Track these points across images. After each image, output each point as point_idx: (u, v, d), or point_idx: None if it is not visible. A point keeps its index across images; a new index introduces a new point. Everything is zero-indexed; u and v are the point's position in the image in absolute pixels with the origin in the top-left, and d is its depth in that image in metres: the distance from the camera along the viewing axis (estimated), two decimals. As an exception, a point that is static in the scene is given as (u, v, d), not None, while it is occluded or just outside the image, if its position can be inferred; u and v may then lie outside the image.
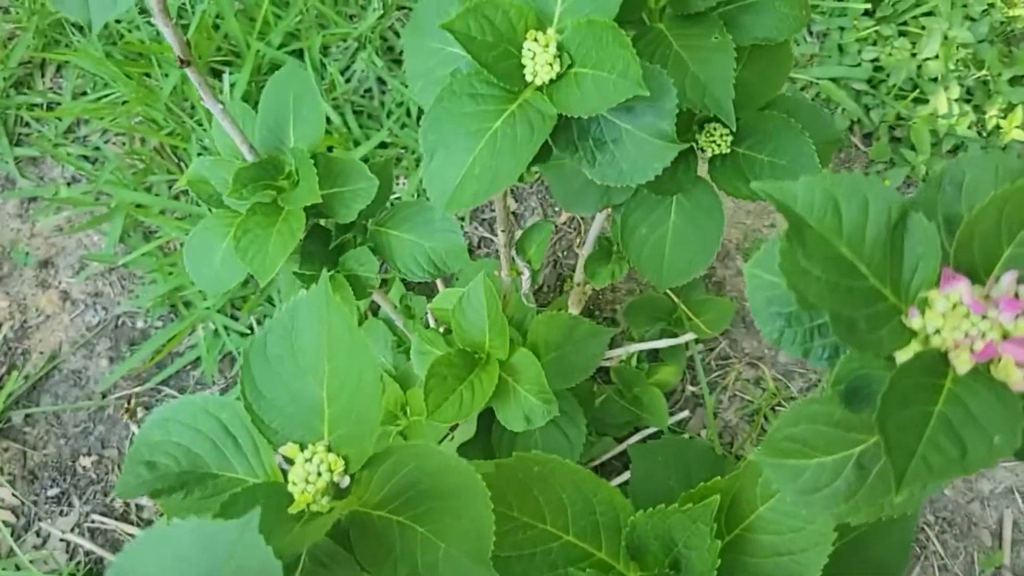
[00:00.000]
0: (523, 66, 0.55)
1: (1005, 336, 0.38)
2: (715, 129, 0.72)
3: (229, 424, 0.51)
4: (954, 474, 0.36)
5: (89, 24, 0.49)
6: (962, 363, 0.38)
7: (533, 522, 0.50)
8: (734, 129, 0.66)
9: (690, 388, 1.32)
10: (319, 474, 0.46)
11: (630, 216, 0.75)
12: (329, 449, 0.47)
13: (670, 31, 0.66)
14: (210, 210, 0.84)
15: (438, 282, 1.11)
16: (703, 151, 0.73)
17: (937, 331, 0.39)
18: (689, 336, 1.06)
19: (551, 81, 0.55)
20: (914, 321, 0.40)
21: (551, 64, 0.55)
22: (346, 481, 0.47)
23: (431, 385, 0.80)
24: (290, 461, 0.48)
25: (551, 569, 0.49)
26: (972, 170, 0.44)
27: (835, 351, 0.44)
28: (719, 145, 0.72)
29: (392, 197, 1.41)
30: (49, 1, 0.48)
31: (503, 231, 0.79)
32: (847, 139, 1.47)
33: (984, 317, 0.38)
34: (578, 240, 1.34)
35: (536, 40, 0.55)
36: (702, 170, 0.75)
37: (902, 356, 0.39)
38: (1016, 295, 0.39)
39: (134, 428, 1.16)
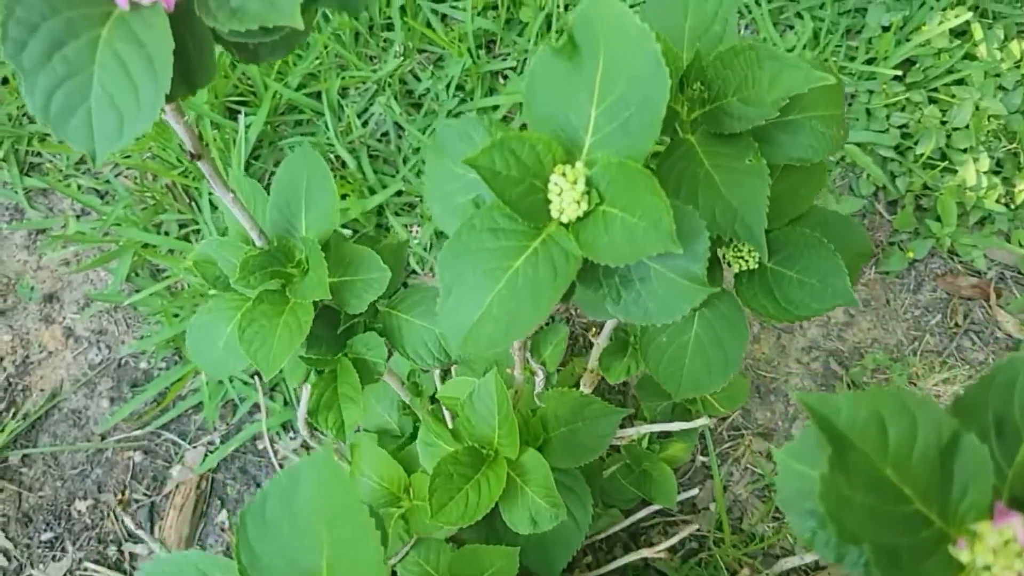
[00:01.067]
0: (549, 201, 0.52)
1: (1063, 583, 0.35)
2: (743, 245, 0.69)
3: (221, 583, 0.48)
4: None
5: (93, 156, 0.46)
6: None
7: None
8: (765, 259, 0.63)
9: (701, 459, 1.29)
10: (314, 649, 0.44)
11: (651, 325, 0.72)
12: (326, 620, 0.45)
13: (701, 147, 0.64)
14: (215, 293, 0.81)
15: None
16: (729, 265, 0.70)
17: (987, 568, 0.36)
18: (703, 421, 1.03)
19: (580, 219, 0.52)
20: (963, 554, 0.37)
21: (579, 202, 0.52)
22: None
23: (436, 484, 0.77)
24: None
25: None
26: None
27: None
28: (747, 261, 0.69)
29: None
30: (53, 131, 0.45)
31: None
32: (871, 206, 1.44)
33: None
34: (593, 328, 1.32)
35: (564, 175, 0.52)
36: (727, 281, 0.72)
37: (949, 599, 0.36)
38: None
39: (126, 519, 1.14)
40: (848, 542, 0.37)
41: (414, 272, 1.41)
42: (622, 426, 1.10)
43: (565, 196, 0.52)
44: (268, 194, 0.80)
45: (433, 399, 0.97)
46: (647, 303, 0.55)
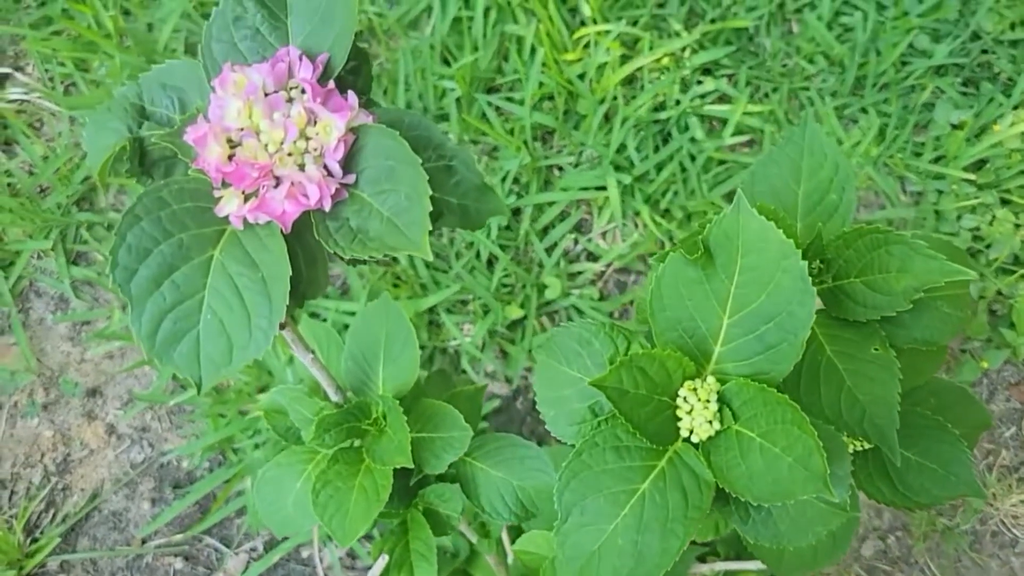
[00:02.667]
0: (678, 419, 0.48)
1: None
2: (855, 442, 0.64)
3: None
4: None
5: (199, 385, 0.43)
6: None
7: None
8: (898, 464, 0.58)
9: (766, 581, 1.23)
10: None
11: (753, 501, 0.68)
12: None
13: (821, 329, 0.59)
14: (284, 446, 0.77)
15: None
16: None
17: None
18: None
19: (709, 439, 0.48)
20: None
21: (711, 421, 0.48)
22: None
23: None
24: None
25: None
26: None
27: None
28: (861, 442, 0.64)
29: (453, 344, 1.35)
30: (157, 359, 0.42)
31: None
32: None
33: None
34: None
35: (695, 390, 0.48)
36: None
37: None
38: None
39: None
40: None
41: (463, 371, 1.37)
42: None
43: (696, 415, 0.48)
44: (343, 342, 0.76)
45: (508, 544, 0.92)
46: (778, 525, 0.51)
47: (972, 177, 1.39)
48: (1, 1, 1.60)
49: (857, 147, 1.44)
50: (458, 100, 1.46)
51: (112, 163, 0.45)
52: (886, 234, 0.56)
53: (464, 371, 1.37)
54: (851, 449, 0.65)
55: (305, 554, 1.28)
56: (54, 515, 1.31)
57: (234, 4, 0.45)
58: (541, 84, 1.46)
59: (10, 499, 1.32)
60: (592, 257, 1.42)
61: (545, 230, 1.43)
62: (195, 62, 0.46)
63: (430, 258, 0.42)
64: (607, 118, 1.47)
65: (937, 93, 1.48)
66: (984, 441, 1.32)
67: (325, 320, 1.34)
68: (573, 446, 0.49)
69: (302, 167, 0.42)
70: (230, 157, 0.42)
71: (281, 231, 0.43)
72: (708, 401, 0.48)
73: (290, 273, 0.42)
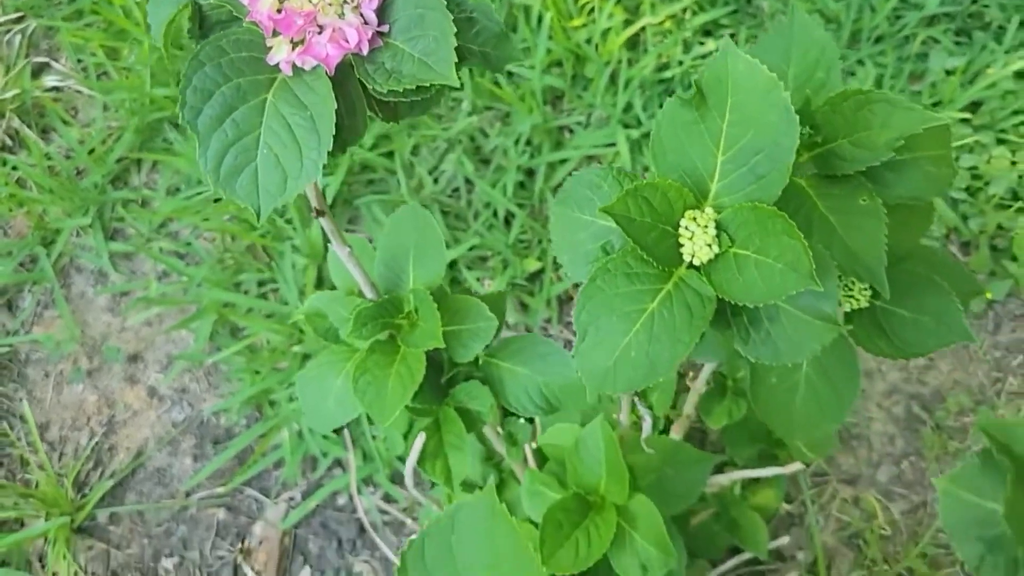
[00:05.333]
0: (680, 245, 0.54)
1: None
2: (853, 283, 0.69)
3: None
4: None
5: (258, 211, 0.49)
6: None
7: None
8: (887, 296, 0.63)
9: (785, 507, 1.28)
10: None
11: (760, 365, 0.73)
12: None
13: (813, 190, 0.65)
14: (326, 345, 0.83)
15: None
16: (839, 305, 0.71)
17: None
18: (797, 466, 1.02)
19: (709, 261, 0.54)
20: None
21: (710, 244, 0.53)
22: None
23: (547, 532, 0.77)
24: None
25: None
26: None
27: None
28: (857, 300, 0.69)
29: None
30: (220, 190, 0.48)
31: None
32: (943, 246, 1.43)
33: None
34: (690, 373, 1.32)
35: (695, 219, 0.54)
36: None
37: None
38: None
39: (247, 570, 1.15)
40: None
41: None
42: (714, 473, 1.10)
43: (696, 240, 0.53)
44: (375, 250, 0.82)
45: (534, 449, 0.97)
46: (777, 343, 0.56)
47: (968, 116, 1.44)
48: None
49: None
50: (470, 68, 1.52)
51: (171, 30, 0.52)
52: (868, 94, 0.62)
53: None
54: (848, 308, 0.71)
55: (341, 501, 1.34)
56: (101, 472, 1.37)
57: None
58: (549, 51, 1.53)
59: (59, 459, 1.39)
60: (605, 211, 1.47)
61: (559, 187, 1.49)
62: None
63: (457, 85, 0.48)
64: (613, 80, 1.53)
65: (930, 43, 1.53)
66: (992, 370, 1.36)
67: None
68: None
69: (342, 15, 0.48)
70: (279, 10, 0.48)
71: (326, 74, 0.49)
72: (707, 227, 0.54)
73: (335, 108, 0.48)
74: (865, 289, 0.70)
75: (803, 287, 0.49)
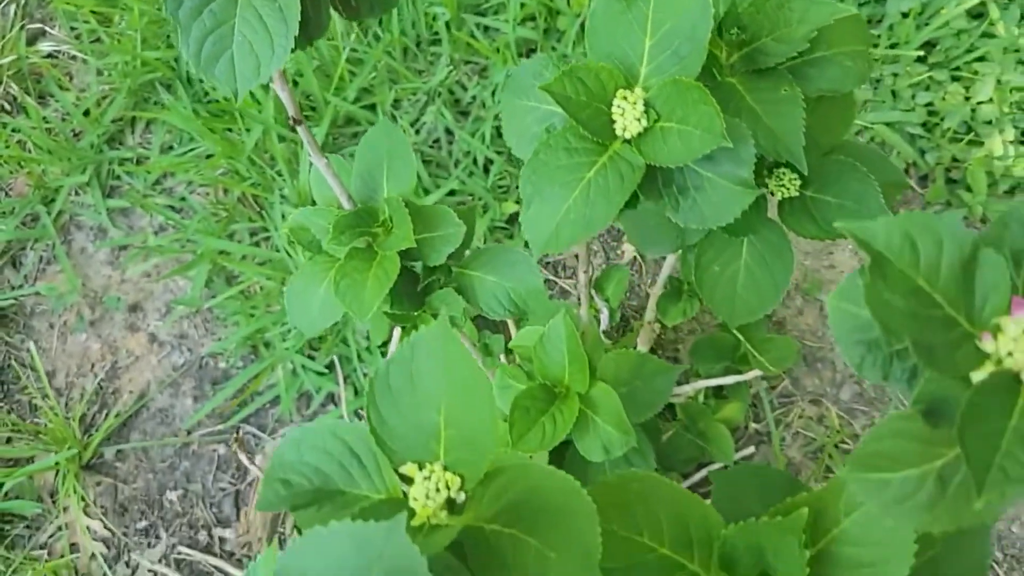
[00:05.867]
0: (613, 121, 0.61)
1: (1073, 359, 0.42)
2: (784, 174, 0.76)
3: (354, 446, 0.56)
4: (1030, 483, 0.40)
5: (236, 93, 0.56)
6: (1035, 384, 0.42)
7: (631, 536, 0.55)
8: (805, 173, 0.70)
9: (753, 426, 1.35)
10: (437, 491, 0.51)
11: (703, 255, 0.80)
12: (445, 469, 0.52)
13: (742, 85, 0.72)
14: (310, 256, 0.90)
15: (510, 325, 1.17)
16: (773, 195, 0.78)
17: (1009, 354, 0.43)
18: (755, 373, 1.09)
19: (639, 135, 0.61)
20: (987, 345, 0.44)
21: (639, 119, 0.60)
22: (462, 498, 0.52)
23: (515, 417, 0.85)
24: (408, 480, 0.53)
25: (648, 581, 0.53)
26: (1038, 210, 0.48)
27: (912, 374, 0.48)
28: (788, 189, 0.76)
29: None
30: (200, 72, 0.55)
31: (584, 272, 0.84)
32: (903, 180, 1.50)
33: (1053, 342, 0.42)
34: (641, 282, 1.39)
35: (625, 98, 0.61)
36: (772, 212, 0.79)
37: (977, 377, 0.43)
38: (1082, 322, 0.42)
39: (243, 458, 1.23)
40: (890, 336, 0.44)
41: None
42: (678, 384, 1.17)
43: (627, 116, 0.60)
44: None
45: (507, 351, 1.05)
46: (702, 209, 0.63)
47: (924, 55, 1.51)
48: (27, -28, 1.75)
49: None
50: (447, 23, 1.59)
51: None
52: (787, -6, 0.69)
53: (469, 266, 1.49)
54: (780, 197, 0.78)
55: (334, 434, 1.41)
56: (107, 414, 1.44)
57: None
58: (523, 4, 1.59)
59: (67, 404, 1.46)
60: (579, 156, 1.54)
61: (535, 134, 1.56)
62: None
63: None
64: (584, 31, 1.59)
65: (889, -13, 1.60)
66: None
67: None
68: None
69: (304, -84, 0.55)
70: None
71: (291, -30, 0.56)
72: (636, 104, 0.60)
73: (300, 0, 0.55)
74: (795, 179, 0.77)
75: (715, 145, 0.56)
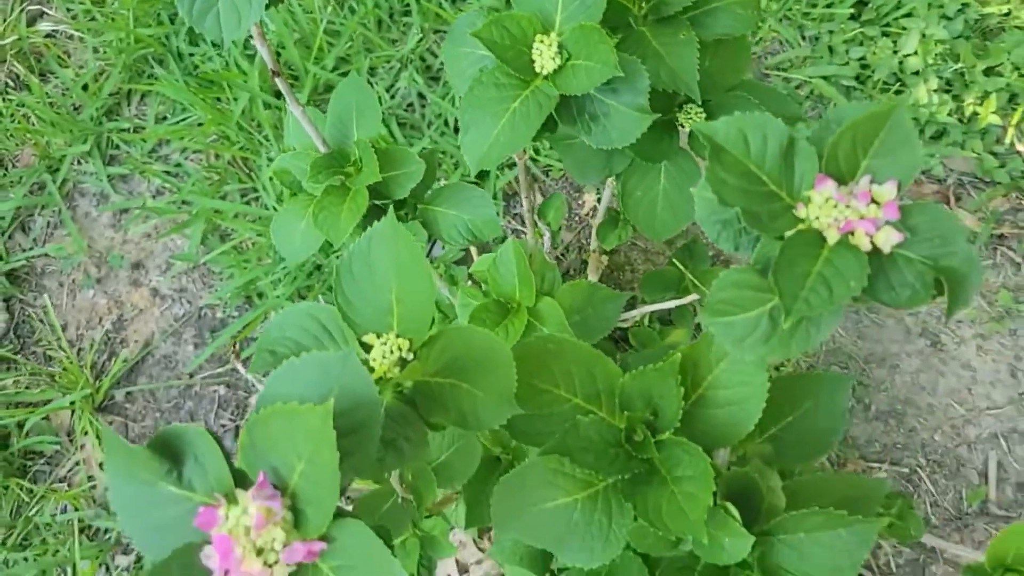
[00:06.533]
0: (533, 61, 0.74)
1: (861, 217, 0.56)
2: (691, 108, 0.90)
3: (325, 323, 0.69)
4: (824, 308, 0.54)
5: (221, 40, 0.69)
6: (832, 236, 0.56)
7: (548, 388, 0.68)
8: (700, 102, 0.84)
9: (702, 353, 1.49)
10: (392, 352, 0.65)
11: (628, 182, 0.94)
12: (398, 336, 0.66)
13: (650, 32, 0.85)
14: (292, 195, 1.04)
15: (473, 254, 1.30)
16: (683, 127, 0.91)
17: (816, 218, 0.57)
18: (693, 297, 1.23)
19: (554, 71, 0.74)
20: (800, 212, 0.57)
21: (554, 58, 0.73)
22: (411, 357, 0.66)
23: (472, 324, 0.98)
24: (368, 347, 0.67)
25: (562, 423, 0.67)
26: (849, 113, 0.61)
27: (755, 242, 0.62)
28: (694, 120, 0.90)
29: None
30: (195, 26, 0.68)
31: (526, 197, 0.98)
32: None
33: (847, 206, 0.56)
34: (595, 223, 1.53)
35: (543, 42, 0.74)
36: (684, 143, 0.93)
37: (790, 234, 0.57)
38: (869, 192, 0.56)
39: (238, 365, 1.37)
40: (725, 205, 0.58)
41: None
42: (627, 310, 1.31)
43: (544, 56, 0.74)
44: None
45: (469, 277, 1.18)
46: (610, 132, 0.76)
47: (856, 13, 1.64)
48: (24, -43, 1.87)
49: (762, 7, 1.68)
50: (418, -5, 1.72)
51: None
52: (683, -50, 0.82)
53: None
54: (688, 128, 0.91)
55: (324, 374, 1.55)
56: (115, 360, 1.58)
57: None
58: (488, -24, 1.72)
59: (78, 354, 1.60)
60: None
61: (501, 96, 1.69)
62: None
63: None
64: None
65: (827, -49, 1.73)
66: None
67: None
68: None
69: None
70: None
71: (264, -60, 0.69)
72: (551, 46, 0.74)
73: (272, -37, 0.68)
74: (700, 112, 0.90)
75: (611, 75, 0.70)
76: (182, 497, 0.53)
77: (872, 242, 0.56)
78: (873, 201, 0.57)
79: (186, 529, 0.51)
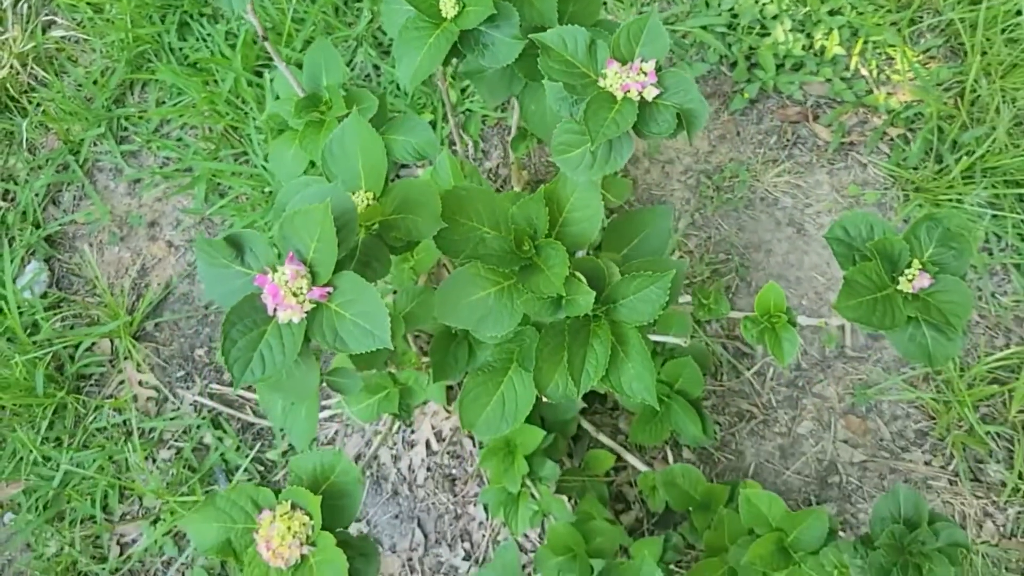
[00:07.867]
0: (440, 9, 1.11)
1: (635, 82, 0.93)
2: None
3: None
4: (616, 133, 0.91)
5: (232, 8, 1.05)
6: (619, 95, 0.93)
7: (468, 222, 1.05)
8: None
9: (616, 251, 1.86)
10: (362, 201, 1.02)
11: (524, 99, 1.31)
12: (365, 190, 1.02)
13: (525, -12, 1.22)
14: (279, 132, 1.40)
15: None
16: (558, 56, 1.28)
17: (610, 84, 0.94)
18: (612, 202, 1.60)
19: (455, 15, 1.11)
20: (601, 83, 0.94)
21: (454, 7, 1.10)
22: (374, 202, 1.02)
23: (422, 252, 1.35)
24: (348, 204, 1.03)
25: (475, 241, 1.03)
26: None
27: (575, 105, 0.99)
28: (566, 50, 1.26)
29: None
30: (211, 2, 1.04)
31: (453, 116, 1.34)
32: (718, 69, 2.01)
33: (627, 76, 0.93)
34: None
35: (446, -4, 1.11)
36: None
37: (590, 95, 0.94)
38: (640, 66, 0.93)
39: None
40: (551, 80, 0.94)
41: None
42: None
43: (447, 5, 1.10)
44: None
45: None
46: (497, 55, 1.13)
47: (722, -28, 2.02)
48: (31, -23, 2.21)
49: (647, -31, 2.06)
50: (367, -16, 2.07)
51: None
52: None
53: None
54: (562, 56, 1.28)
55: (314, 296, 1.91)
56: (142, 300, 1.93)
57: None
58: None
59: (112, 296, 1.95)
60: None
61: (441, 62, 2.05)
62: None
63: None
64: (473, -20, 2.08)
65: (700, -76, 2.10)
66: (756, 148, 1.95)
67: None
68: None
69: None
70: None
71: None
72: (452, -1, 1.10)
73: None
74: (569, 44, 1.27)
75: (488, 14, 1.07)
76: (244, 273, 0.89)
77: (641, 95, 0.93)
78: (642, 72, 0.94)
79: (249, 289, 0.88)
